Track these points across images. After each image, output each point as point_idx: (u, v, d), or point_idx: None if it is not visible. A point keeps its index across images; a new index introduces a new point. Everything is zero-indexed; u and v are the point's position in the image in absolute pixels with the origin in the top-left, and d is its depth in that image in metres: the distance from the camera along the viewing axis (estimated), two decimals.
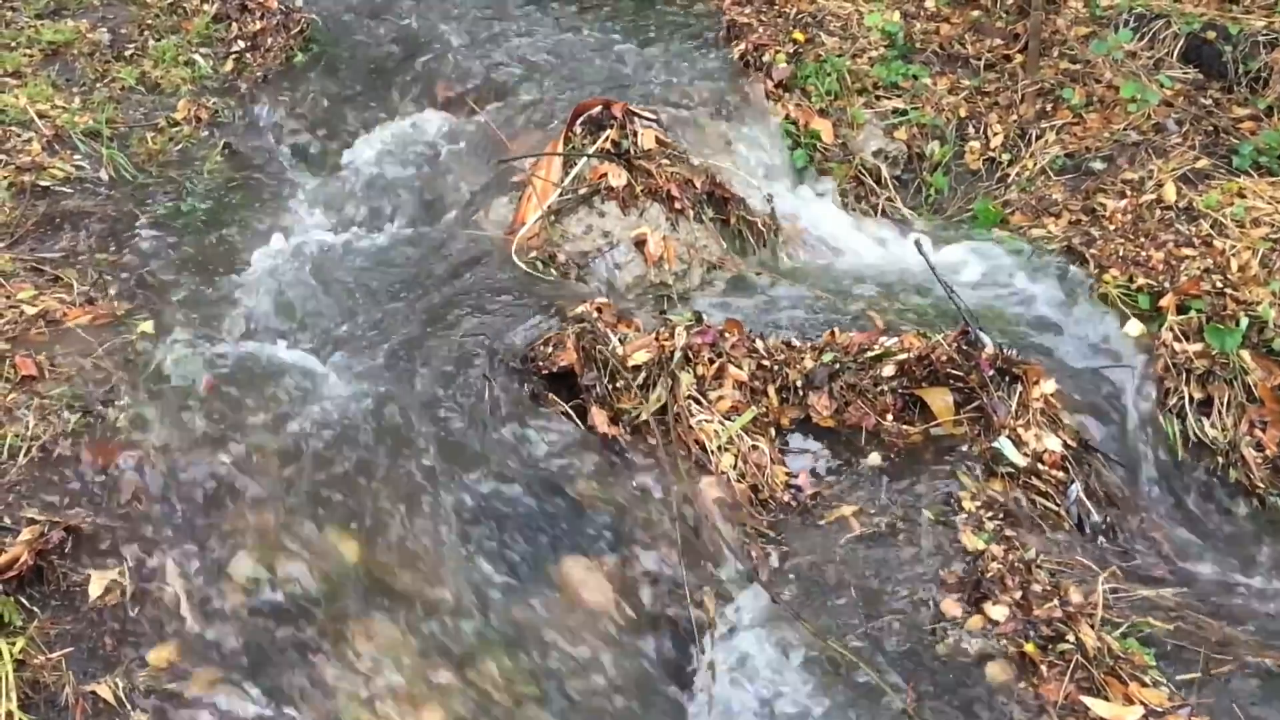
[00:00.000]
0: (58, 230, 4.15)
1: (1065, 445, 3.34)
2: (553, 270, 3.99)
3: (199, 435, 3.02)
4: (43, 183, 4.40)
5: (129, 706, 2.40)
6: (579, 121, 4.43)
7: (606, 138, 4.37)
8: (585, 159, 4.31)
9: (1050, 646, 2.60)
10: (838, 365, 3.55)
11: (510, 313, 3.65)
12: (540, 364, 3.38)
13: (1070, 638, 2.60)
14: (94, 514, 2.83)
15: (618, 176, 4.28)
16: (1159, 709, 2.39)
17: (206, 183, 4.59)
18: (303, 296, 3.78)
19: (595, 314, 3.53)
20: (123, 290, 3.75)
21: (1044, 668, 2.55)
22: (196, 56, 5.49)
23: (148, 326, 3.39)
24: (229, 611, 2.69)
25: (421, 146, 4.67)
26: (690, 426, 3.31)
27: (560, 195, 4.23)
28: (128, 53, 5.51)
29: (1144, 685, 2.47)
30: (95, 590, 2.63)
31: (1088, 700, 2.42)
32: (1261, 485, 3.28)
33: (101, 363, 3.28)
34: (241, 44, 5.59)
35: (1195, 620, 2.85)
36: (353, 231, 4.22)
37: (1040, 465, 3.28)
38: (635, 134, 4.40)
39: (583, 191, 4.26)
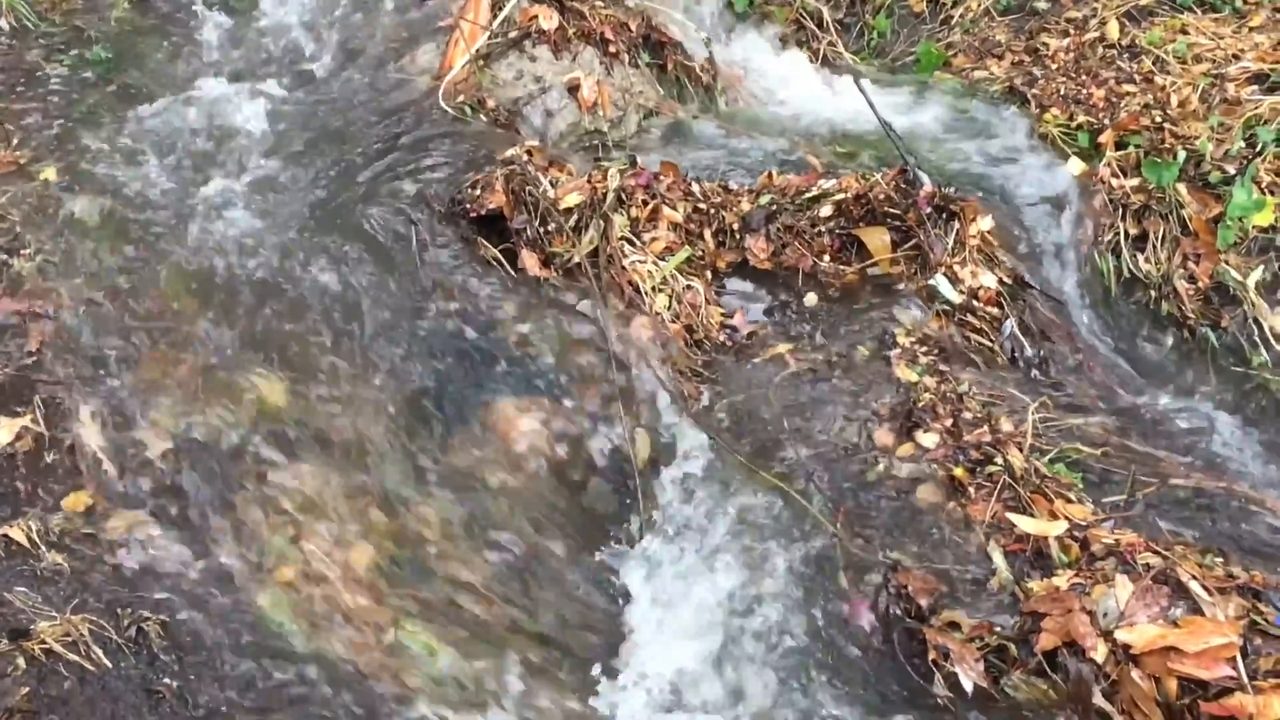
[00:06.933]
0: None
1: (1000, 282, 3.32)
2: (482, 116, 3.84)
3: (110, 281, 2.90)
4: None
5: (43, 548, 2.34)
6: None
7: None
8: (514, 0, 4.11)
9: (979, 469, 2.61)
10: (775, 207, 3.49)
11: (437, 157, 3.53)
12: (469, 207, 3.28)
13: (999, 461, 2.61)
14: (2, 363, 2.72)
15: (549, 19, 4.10)
16: (1083, 523, 2.42)
17: (113, 30, 4.33)
18: (218, 142, 3.60)
19: (526, 157, 3.42)
20: (25, 139, 3.55)
21: (972, 489, 2.56)
22: None
23: (51, 174, 3.23)
24: (148, 456, 2.62)
25: None
26: (624, 268, 3.23)
27: (489, 39, 4.05)
28: None
29: (1069, 502, 2.49)
30: (4, 437, 2.55)
31: (1014, 517, 2.44)
32: (1192, 316, 3.29)
33: (5, 211, 3.12)
34: None
35: (1123, 446, 2.88)
36: (271, 78, 4.02)
37: (975, 302, 3.27)
38: None
39: (513, 35, 4.08)
